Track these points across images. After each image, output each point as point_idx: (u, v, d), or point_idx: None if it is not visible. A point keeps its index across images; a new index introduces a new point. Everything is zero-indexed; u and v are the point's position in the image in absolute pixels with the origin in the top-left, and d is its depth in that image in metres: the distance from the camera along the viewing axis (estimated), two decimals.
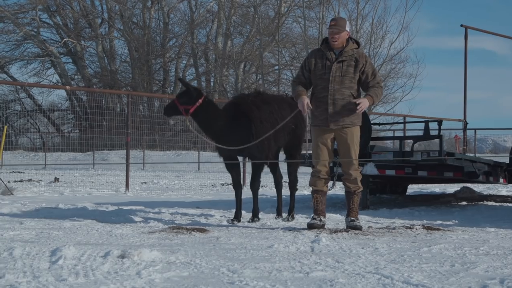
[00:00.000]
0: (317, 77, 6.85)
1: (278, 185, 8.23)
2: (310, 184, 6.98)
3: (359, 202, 7.01)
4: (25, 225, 7.00)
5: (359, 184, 6.93)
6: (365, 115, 7.78)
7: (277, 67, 43.17)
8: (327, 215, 7.34)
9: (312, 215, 6.91)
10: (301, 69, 7.05)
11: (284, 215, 7.99)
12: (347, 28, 6.82)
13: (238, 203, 7.77)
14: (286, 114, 7.49)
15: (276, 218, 7.94)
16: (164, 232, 6.46)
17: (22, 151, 32.40)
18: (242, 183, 7.91)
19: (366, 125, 7.84)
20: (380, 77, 7.03)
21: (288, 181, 8.35)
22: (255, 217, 7.68)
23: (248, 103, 7.56)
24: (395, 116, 27.40)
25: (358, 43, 6.95)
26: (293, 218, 7.84)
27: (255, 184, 7.79)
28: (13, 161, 27.99)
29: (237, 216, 7.63)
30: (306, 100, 6.78)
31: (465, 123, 15.22)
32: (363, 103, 6.67)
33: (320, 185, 6.89)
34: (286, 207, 8.22)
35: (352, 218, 6.84)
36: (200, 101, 7.36)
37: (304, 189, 13.49)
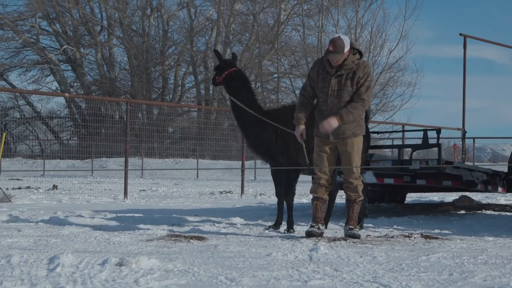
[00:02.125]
0: (318, 89, 6.80)
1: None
2: (311, 191, 6.98)
3: (359, 210, 7.00)
4: (23, 232, 6.99)
5: (360, 192, 6.92)
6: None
7: (276, 75, 43.20)
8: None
9: (311, 223, 6.90)
10: (308, 79, 6.95)
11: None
12: (346, 49, 6.60)
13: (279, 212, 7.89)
14: None
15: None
16: (162, 240, 6.46)
17: (21, 158, 32.41)
18: (281, 193, 7.94)
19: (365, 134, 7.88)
20: (366, 90, 6.71)
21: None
22: (290, 228, 7.54)
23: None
24: (393, 125, 27.44)
25: (360, 53, 6.81)
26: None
27: (288, 195, 7.76)
28: (12, 168, 27.98)
29: (277, 224, 7.80)
30: (302, 131, 6.77)
31: (464, 132, 15.23)
32: (326, 124, 6.60)
33: (320, 192, 6.88)
34: (284, 214, 8.19)
35: (350, 227, 6.83)
36: (226, 72, 7.73)
37: (302, 197, 13.50)
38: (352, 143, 6.81)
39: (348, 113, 6.61)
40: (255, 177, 27.48)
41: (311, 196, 7.06)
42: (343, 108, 6.63)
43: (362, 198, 6.97)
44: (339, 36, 6.63)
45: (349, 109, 6.61)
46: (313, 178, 7.08)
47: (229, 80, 7.74)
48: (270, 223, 8.16)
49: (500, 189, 10.12)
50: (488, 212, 10.72)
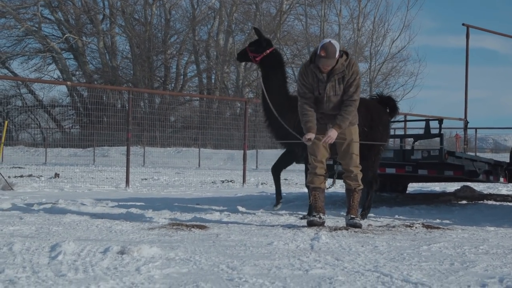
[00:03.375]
0: (314, 93, 6.80)
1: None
2: (308, 182, 6.97)
3: (359, 199, 6.99)
4: (25, 220, 7.00)
5: (360, 181, 6.91)
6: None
7: None
8: (327, 212, 7.34)
9: (312, 212, 6.91)
10: (303, 87, 6.81)
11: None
12: (338, 53, 6.59)
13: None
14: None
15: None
16: (164, 228, 6.46)
17: (23, 146, 32.43)
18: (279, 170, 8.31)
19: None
20: (355, 89, 6.70)
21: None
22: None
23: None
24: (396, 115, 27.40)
25: (347, 54, 6.78)
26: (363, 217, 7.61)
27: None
28: (14, 156, 28.00)
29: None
30: (311, 135, 6.68)
31: (466, 122, 15.20)
32: (330, 137, 6.65)
33: (317, 182, 6.88)
34: (287, 204, 8.23)
35: (352, 216, 6.84)
36: (268, 51, 7.72)
37: (304, 187, 13.50)
38: (350, 132, 6.81)
39: (344, 119, 6.68)
40: (256, 167, 27.50)
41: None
42: (338, 116, 6.67)
43: (362, 187, 6.95)
44: (329, 42, 6.57)
45: (344, 115, 6.67)
46: (307, 169, 7.10)
47: (268, 59, 7.73)
48: (271, 211, 8.17)
49: (501, 179, 10.11)
50: (490, 202, 10.72)
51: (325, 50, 6.55)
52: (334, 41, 6.64)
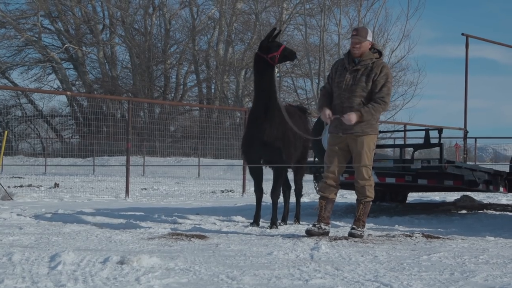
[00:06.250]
0: (335, 84, 6.91)
1: (294, 193, 8.69)
2: (319, 190, 7.03)
3: (366, 212, 6.89)
4: (24, 230, 6.99)
5: (367, 193, 6.84)
6: None
7: (278, 74, 43.18)
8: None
9: (314, 221, 6.92)
10: (327, 78, 7.14)
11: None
12: (369, 38, 6.80)
13: (258, 208, 8.10)
14: (301, 126, 7.85)
15: (280, 224, 8.05)
16: (164, 238, 6.46)
17: (23, 156, 32.40)
18: (262, 189, 8.31)
19: None
20: (388, 91, 6.79)
21: (294, 188, 8.73)
22: (273, 225, 7.71)
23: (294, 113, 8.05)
24: (395, 124, 27.44)
25: (380, 53, 6.91)
26: (299, 223, 8.35)
27: (276, 192, 7.95)
28: (13, 166, 27.98)
29: (256, 221, 7.97)
30: (327, 111, 6.81)
31: (466, 132, 15.20)
32: (348, 118, 6.64)
33: (327, 191, 6.89)
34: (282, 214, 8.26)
35: (353, 226, 6.84)
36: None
37: (304, 197, 13.48)
38: (362, 142, 6.79)
39: (368, 112, 6.68)
40: None
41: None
42: (364, 106, 6.67)
43: (368, 200, 6.89)
44: (362, 26, 6.92)
45: (370, 109, 6.68)
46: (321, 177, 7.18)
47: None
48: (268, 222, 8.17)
49: (501, 189, 10.10)
50: (490, 212, 10.71)
51: (356, 29, 6.95)
52: (368, 29, 7.02)
